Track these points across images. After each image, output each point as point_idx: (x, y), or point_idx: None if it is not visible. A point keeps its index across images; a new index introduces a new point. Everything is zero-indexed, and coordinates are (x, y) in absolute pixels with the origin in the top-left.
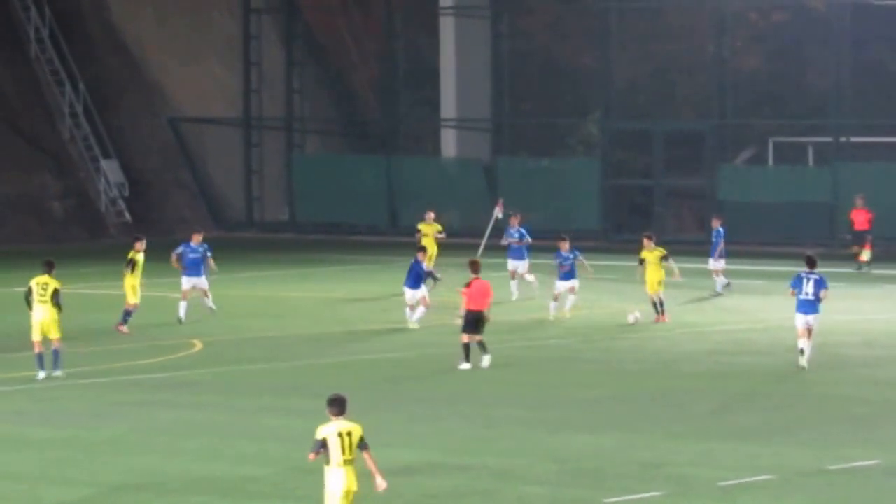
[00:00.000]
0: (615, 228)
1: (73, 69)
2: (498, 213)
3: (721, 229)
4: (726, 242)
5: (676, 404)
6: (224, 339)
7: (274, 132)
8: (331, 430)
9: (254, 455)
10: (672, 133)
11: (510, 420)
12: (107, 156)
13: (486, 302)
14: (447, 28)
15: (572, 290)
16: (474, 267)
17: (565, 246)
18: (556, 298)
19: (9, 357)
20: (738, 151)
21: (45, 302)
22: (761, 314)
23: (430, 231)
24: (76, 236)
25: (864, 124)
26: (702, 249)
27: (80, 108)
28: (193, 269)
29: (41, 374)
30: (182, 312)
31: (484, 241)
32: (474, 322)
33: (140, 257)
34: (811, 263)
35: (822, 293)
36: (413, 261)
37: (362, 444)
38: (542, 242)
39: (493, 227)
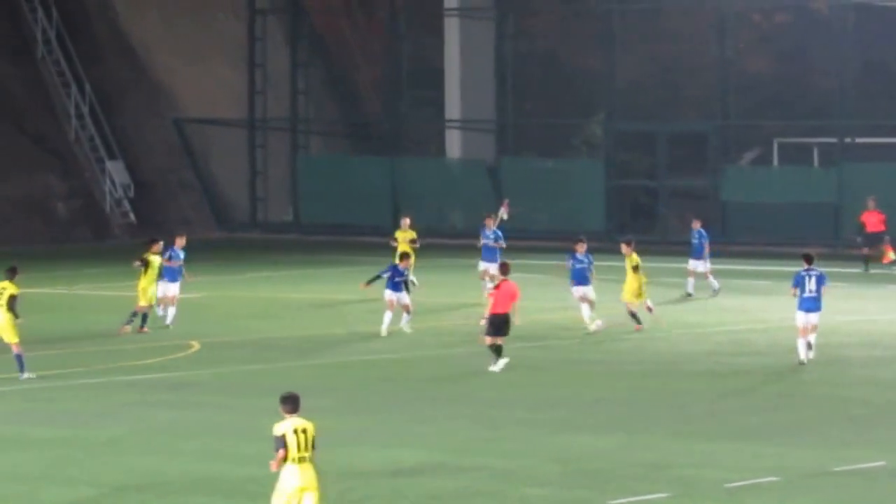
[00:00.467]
0: (619, 229)
1: (79, 70)
2: (503, 213)
3: (703, 230)
4: (730, 243)
5: (679, 405)
6: (226, 340)
7: (278, 133)
8: (287, 426)
9: (254, 455)
10: (676, 134)
11: (513, 421)
12: (112, 157)
13: (512, 304)
14: (452, 29)
15: (584, 298)
16: (504, 269)
17: (582, 248)
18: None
19: (10, 357)
20: (743, 152)
21: (0, 307)
22: (762, 314)
23: (404, 238)
24: (81, 237)
25: (868, 125)
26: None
27: (85, 109)
28: (170, 274)
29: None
30: (162, 313)
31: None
32: (499, 324)
33: (156, 259)
34: (809, 260)
35: (822, 289)
36: (391, 265)
37: (314, 444)
38: (546, 243)
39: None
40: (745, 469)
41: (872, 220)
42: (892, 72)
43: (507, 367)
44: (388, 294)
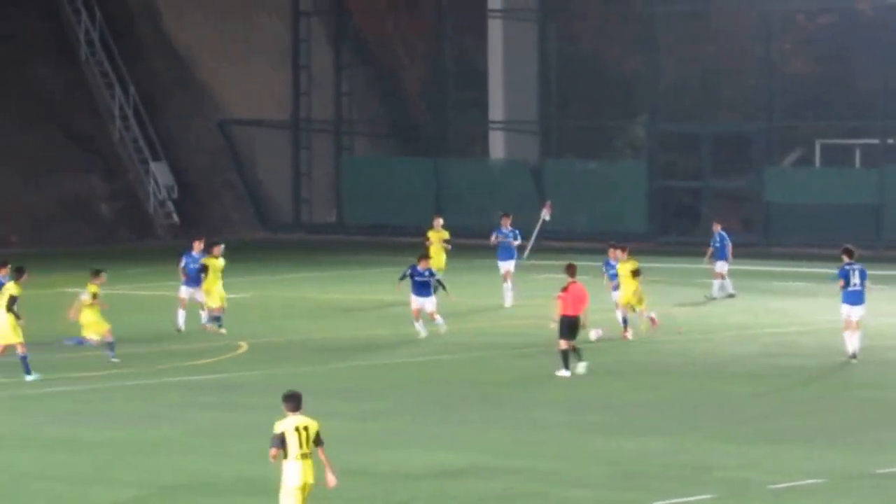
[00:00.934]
0: (662, 231)
1: (123, 72)
2: (546, 215)
3: (724, 233)
4: (773, 245)
5: (723, 407)
6: (270, 341)
7: (322, 134)
8: (288, 424)
9: None
10: (719, 135)
11: (558, 423)
12: (156, 158)
13: (581, 307)
14: (495, 31)
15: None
16: (570, 270)
17: (618, 254)
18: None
19: (63, 357)
20: (785, 153)
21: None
22: (808, 316)
23: (437, 238)
24: (124, 238)
25: None
26: (749, 252)
27: (129, 111)
28: (192, 278)
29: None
30: (181, 321)
31: (531, 244)
32: (570, 327)
33: (217, 262)
34: (850, 254)
35: (865, 283)
36: (411, 265)
37: (318, 440)
38: (589, 244)
39: (540, 229)
40: (789, 471)
41: None
42: None
43: (553, 369)
44: (414, 301)
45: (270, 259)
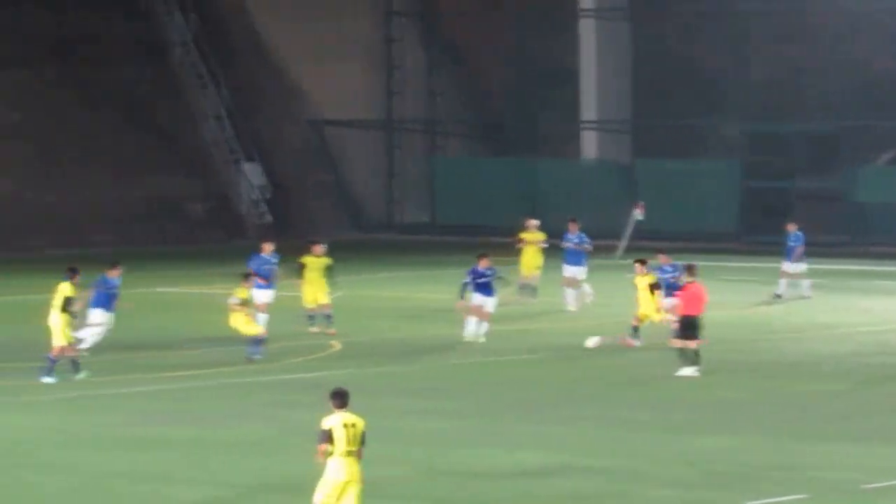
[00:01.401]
0: (751, 230)
1: (216, 72)
2: (638, 214)
3: (799, 233)
4: (866, 244)
5: (813, 406)
6: (365, 340)
7: (412, 134)
8: (335, 421)
9: (392, 457)
10: (810, 134)
11: (643, 422)
12: (248, 158)
13: (701, 306)
14: (587, 30)
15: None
16: (691, 270)
17: (664, 259)
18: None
19: (151, 355)
20: (879, 153)
21: (54, 307)
22: None
23: (533, 239)
24: (214, 237)
25: None
26: (841, 251)
27: (222, 111)
28: (263, 279)
29: (47, 379)
30: (261, 323)
31: (624, 243)
32: (689, 327)
33: (317, 261)
34: None
35: None
36: (471, 268)
37: (363, 439)
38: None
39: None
40: (881, 470)
41: None
42: None
43: (641, 367)
44: (476, 298)
45: (362, 259)
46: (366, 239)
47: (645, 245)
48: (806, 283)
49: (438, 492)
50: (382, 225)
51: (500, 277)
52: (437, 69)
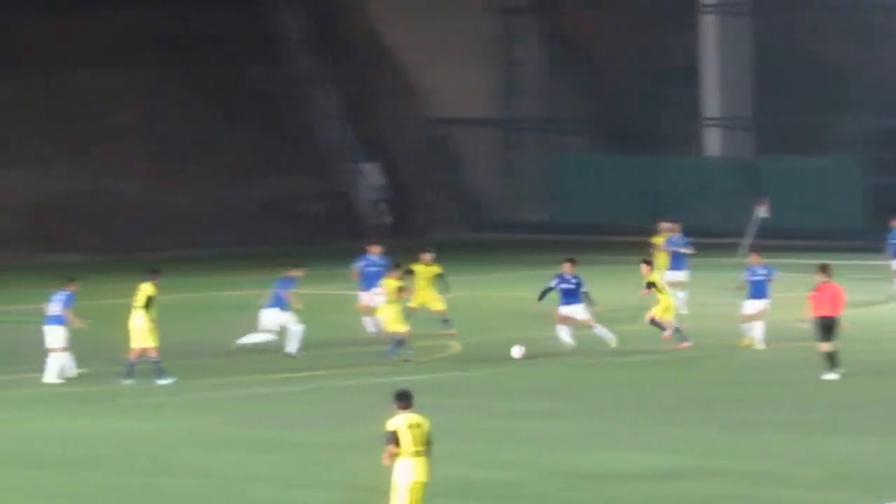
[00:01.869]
0: (876, 228)
1: (333, 72)
2: (763, 212)
3: None
4: None
5: None
6: (484, 341)
7: (531, 133)
8: (400, 422)
9: (511, 461)
10: None
11: (765, 424)
12: (368, 158)
13: (838, 307)
14: (708, 26)
15: (760, 315)
16: (825, 270)
17: (755, 260)
18: (744, 321)
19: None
20: None
21: (136, 308)
22: None
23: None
24: (333, 238)
25: None
26: None
27: (340, 111)
28: (369, 283)
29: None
30: (372, 327)
31: (748, 241)
32: (825, 329)
33: (426, 269)
34: None
35: None
36: (557, 274)
37: (429, 439)
38: (804, 242)
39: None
40: None
41: None
42: None
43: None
44: (562, 308)
45: (481, 258)
46: (485, 238)
47: (770, 243)
48: None
49: (562, 494)
50: (501, 224)
51: (585, 293)
52: (555, 66)
